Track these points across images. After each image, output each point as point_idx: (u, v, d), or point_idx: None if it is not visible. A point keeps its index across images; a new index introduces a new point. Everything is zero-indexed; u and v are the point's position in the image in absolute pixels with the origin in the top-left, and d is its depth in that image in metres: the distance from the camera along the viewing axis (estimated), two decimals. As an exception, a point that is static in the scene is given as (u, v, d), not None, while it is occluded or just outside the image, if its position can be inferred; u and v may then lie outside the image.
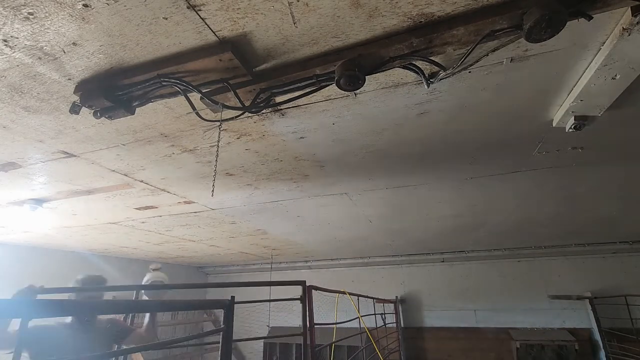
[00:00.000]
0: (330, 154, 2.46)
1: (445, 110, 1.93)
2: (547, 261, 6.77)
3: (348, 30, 1.32)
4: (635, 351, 5.43)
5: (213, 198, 3.33)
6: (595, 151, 2.50)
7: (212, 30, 1.29)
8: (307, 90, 1.53)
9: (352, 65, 1.35)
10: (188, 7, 1.19)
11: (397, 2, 1.20)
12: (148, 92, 1.51)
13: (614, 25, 1.34)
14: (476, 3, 1.21)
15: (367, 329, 4.67)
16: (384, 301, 6.82)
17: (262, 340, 7.21)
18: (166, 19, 1.23)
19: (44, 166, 2.44)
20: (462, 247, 6.83)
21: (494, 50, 1.44)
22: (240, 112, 1.64)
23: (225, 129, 2.04)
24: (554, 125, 2.04)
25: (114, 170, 2.58)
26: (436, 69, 1.50)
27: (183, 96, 1.51)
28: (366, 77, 1.39)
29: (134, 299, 2.75)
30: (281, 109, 1.87)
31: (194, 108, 1.59)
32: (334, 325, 3.92)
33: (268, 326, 7.66)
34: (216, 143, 2.08)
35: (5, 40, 1.28)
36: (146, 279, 2.71)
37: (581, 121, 1.91)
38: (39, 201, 3.17)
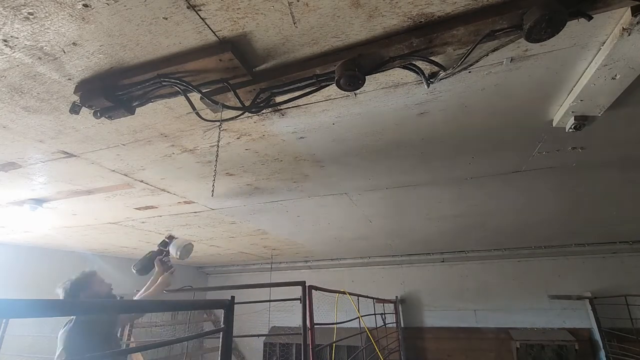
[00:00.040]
0: (330, 154, 2.46)
1: (445, 110, 1.93)
2: (547, 261, 6.77)
3: (348, 30, 1.32)
4: (635, 351, 5.43)
5: (213, 198, 3.33)
6: (595, 151, 2.50)
7: (212, 30, 1.29)
8: (307, 90, 1.53)
9: (352, 65, 1.35)
10: (188, 7, 1.19)
11: (397, 2, 1.20)
12: (148, 92, 1.51)
13: (614, 25, 1.34)
14: (476, 3, 1.21)
15: (367, 329, 4.68)
16: (384, 301, 6.82)
17: (262, 340, 7.21)
18: (166, 19, 1.23)
19: (44, 166, 2.44)
20: (462, 247, 6.83)
21: (494, 50, 1.44)
22: (240, 112, 1.64)
23: (225, 129, 2.04)
24: (554, 125, 2.04)
25: (114, 170, 2.58)
26: (436, 69, 1.50)
27: (183, 96, 1.51)
28: (366, 77, 1.39)
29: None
30: (281, 109, 1.87)
31: (194, 108, 1.59)
32: (334, 325, 3.92)
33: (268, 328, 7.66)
34: (216, 143, 2.08)
35: (5, 40, 1.28)
36: (177, 247, 2.61)
37: (581, 121, 1.91)
38: (39, 201, 3.17)
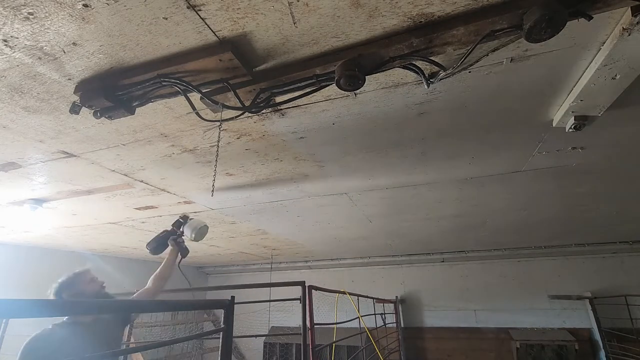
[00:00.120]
0: (330, 154, 2.46)
1: (445, 110, 1.93)
2: (547, 261, 6.77)
3: (348, 30, 1.32)
4: (635, 351, 5.43)
5: (213, 198, 3.33)
6: (595, 151, 2.50)
7: (212, 30, 1.29)
8: (307, 90, 1.53)
9: (352, 65, 1.35)
10: (188, 7, 1.19)
11: (397, 2, 1.20)
12: (148, 92, 1.51)
13: (614, 25, 1.34)
14: (476, 3, 1.21)
15: (367, 329, 4.68)
16: (384, 301, 6.82)
17: (262, 340, 7.21)
18: (166, 19, 1.23)
19: (44, 166, 2.44)
20: (462, 247, 6.83)
21: (494, 50, 1.44)
22: (240, 112, 1.64)
23: (225, 129, 2.04)
24: (554, 125, 2.04)
25: (114, 170, 2.58)
26: (436, 69, 1.50)
27: (183, 96, 1.51)
28: (366, 77, 1.39)
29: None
30: (281, 109, 1.87)
31: (194, 108, 1.59)
32: (334, 325, 3.92)
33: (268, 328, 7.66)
34: (216, 143, 2.08)
35: (5, 40, 1.28)
36: (192, 228, 2.49)
37: (581, 121, 1.91)
38: (39, 201, 3.17)
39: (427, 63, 1.42)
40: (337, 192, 3.29)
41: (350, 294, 4.37)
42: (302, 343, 2.86)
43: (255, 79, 1.50)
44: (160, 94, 1.55)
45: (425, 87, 1.55)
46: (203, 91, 1.50)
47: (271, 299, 3.56)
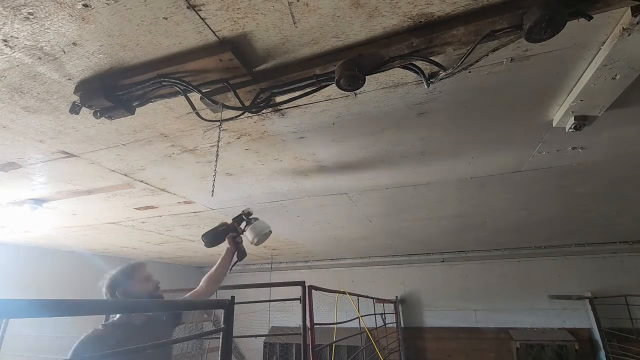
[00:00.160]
0: (330, 154, 2.46)
1: (445, 110, 1.93)
2: (547, 261, 6.77)
3: (348, 30, 1.32)
4: (635, 351, 5.43)
5: (213, 198, 3.33)
6: (595, 151, 2.50)
7: (212, 30, 1.29)
8: (307, 90, 1.53)
9: (352, 65, 1.35)
10: (188, 7, 1.19)
11: (397, 2, 1.20)
12: (148, 92, 1.51)
13: (614, 25, 1.34)
14: (476, 3, 1.21)
15: (367, 329, 4.68)
16: (384, 301, 6.82)
17: (262, 340, 7.21)
18: (166, 19, 1.23)
19: (44, 166, 2.44)
20: (462, 247, 6.83)
21: (494, 50, 1.44)
22: (240, 112, 1.64)
23: (225, 129, 2.04)
24: (554, 125, 2.04)
25: (114, 170, 2.58)
26: (436, 69, 1.50)
27: (183, 96, 1.51)
28: (366, 77, 1.39)
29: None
30: (281, 109, 1.87)
31: (194, 108, 1.59)
32: (334, 325, 3.92)
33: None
34: (216, 143, 2.08)
35: (5, 40, 1.28)
36: (257, 232, 2.18)
37: (581, 121, 1.91)
38: (39, 201, 3.17)
39: (427, 63, 1.42)
40: (337, 192, 3.29)
41: (350, 294, 4.37)
42: (302, 343, 2.86)
43: (255, 79, 1.50)
44: (160, 94, 1.55)
45: (425, 87, 1.55)
46: (203, 91, 1.50)
47: (271, 299, 3.56)
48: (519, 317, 6.61)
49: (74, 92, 1.56)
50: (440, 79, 1.56)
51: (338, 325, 4.00)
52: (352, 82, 1.37)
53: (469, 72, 1.59)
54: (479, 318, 6.87)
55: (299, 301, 2.96)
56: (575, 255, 6.57)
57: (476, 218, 4.40)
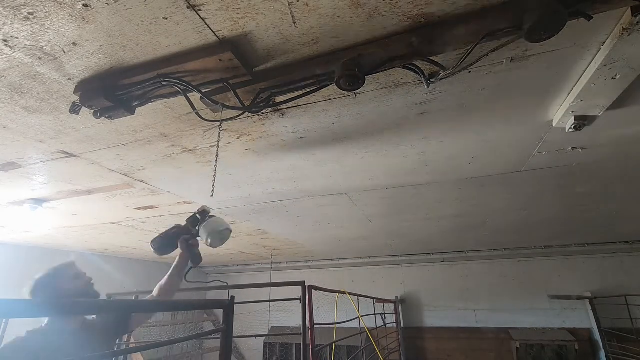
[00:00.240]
0: (330, 154, 2.46)
1: (445, 110, 1.93)
2: (547, 261, 6.77)
3: (348, 30, 1.32)
4: (635, 351, 5.43)
5: (213, 198, 3.33)
6: (595, 151, 2.50)
7: (212, 30, 1.29)
8: (307, 90, 1.53)
9: (352, 65, 1.35)
10: (188, 7, 1.19)
11: (397, 2, 1.20)
12: (148, 92, 1.51)
13: (614, 25, 1.34)
14: (476, 3, 1.21)
15: (367, 329, 4.68)
16: (384, 301, 6.82)
17: (262, 340, 7.21)
18: (166, 19, 1.23)
19: (44, 166, 2.44)
20: (462, 247, 6.83)
21: (494, 50, 1.44)
22: (240, 112, 1.64)
23: (225, 129, 2.04)
24: (554, 125, 2.04)
25: (114, 170, 2.58)
26: (436, 69, 1.50)
27: (183, 96, 1.51)
28: (366, 77, 1.39)
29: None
30: (281, 109, 1.87)
31: (194, 108, 1.59)
32: (334, 325, 3.92)
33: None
34: (216, 143, 2.08)
35: (5, 40, 1.28)
36: (210, 231, 1.80)
37: (581, 121, 1.91)
38: (39, 201, 3.17)
39: (427, 63, 1.42)
40: (337, 192, 3.29)
41: (350, 294, 4.37)
42: (302, 343, 2.86)
43: (255, 79, 1.50)
44: (160, 94, 1.55)
45: (425, 87, 1.55)
46: (203, 91, 1.50)
47: (271, 299, 3.56)
48: (519, 317, 6.61)
49: (74, 92, 1.56)
50: (440, 79, 1.56)
51: (338, 325, 4.00)
52: (352, 82, 1.37)
53: (469, 72, 1.59)
54: (479, 318, 6.87)
55: (299, 301, 2.96)
56: (575, 255, 6.57)
57: (476, 218, 4.40)
